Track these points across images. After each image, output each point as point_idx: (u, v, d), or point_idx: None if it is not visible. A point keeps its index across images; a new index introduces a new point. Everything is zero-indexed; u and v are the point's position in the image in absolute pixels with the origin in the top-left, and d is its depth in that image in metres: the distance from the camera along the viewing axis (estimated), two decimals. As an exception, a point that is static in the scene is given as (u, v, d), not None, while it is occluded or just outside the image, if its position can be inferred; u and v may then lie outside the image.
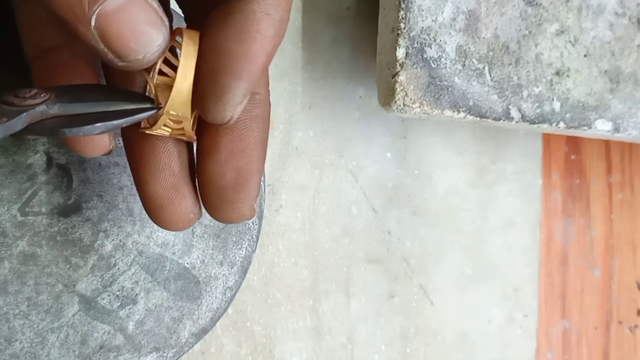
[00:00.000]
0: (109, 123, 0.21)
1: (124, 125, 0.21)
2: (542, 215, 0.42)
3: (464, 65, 0.34)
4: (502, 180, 0.41)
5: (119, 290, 0.31)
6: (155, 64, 0.22)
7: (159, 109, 0.22)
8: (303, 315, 0.37)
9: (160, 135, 0.24)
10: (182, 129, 0.23)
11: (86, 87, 0.23)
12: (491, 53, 0.34)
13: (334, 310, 0.38)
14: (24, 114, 0.20)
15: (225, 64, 0.22)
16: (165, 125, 0.23)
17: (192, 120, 0.23)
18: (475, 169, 0.41)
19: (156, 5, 0.20)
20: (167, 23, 0.21)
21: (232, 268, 0.33)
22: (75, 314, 0.31)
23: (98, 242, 0.31)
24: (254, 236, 0.34)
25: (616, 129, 0.36)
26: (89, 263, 0.31)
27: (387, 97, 0.34)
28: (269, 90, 0.25)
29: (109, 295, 0.31)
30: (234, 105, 0.22)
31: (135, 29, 0.20)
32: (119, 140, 0.32)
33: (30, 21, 0.24)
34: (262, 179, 0.34)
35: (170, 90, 0.22)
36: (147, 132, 0.23)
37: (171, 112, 0.22)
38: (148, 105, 0.22)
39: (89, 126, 0.21)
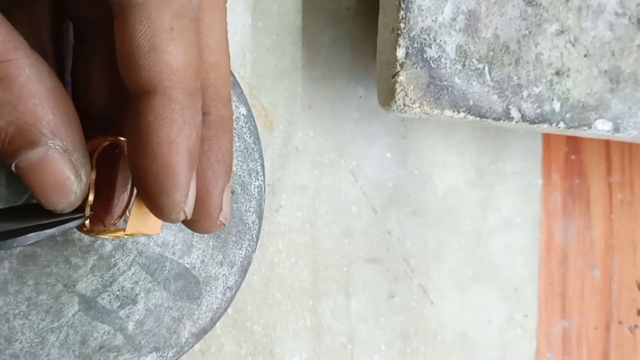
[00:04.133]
0: (42, 232, 0.23)
1: (56, 233, 0.24)
2: (542, 215, 0.42)
3: (464, 65, 0.34)
4: (502, 180, 0.41)
5: (119, 290, 0.31)
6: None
7: (88, 217, 0.24)
8: (303, 315, 0.37)
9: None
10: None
11: (19, 208, 0.26)
12: (491, 53, 0.34)
13: (334, 310, 0.38)
14: None
15: (149, 185, 0.22)
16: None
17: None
18: (475, 169, 0.41)
19: (77, 157, 0.22)
20: (84, 175, 0.22)
21: (232, 268, 0.33)
22: (75, 314, 0.31)
23: (98, 242, 0.31)
24: (254, 236, 0.34)
25: (616, 129, 0.36)
26: (89, 263, 0.31)
27: (387, 97, 0.34)
28: (229, 105, 0.25)
29: (109, 295, 0.31)
30: (176, 212, 0.23)
31: (47, 185, 0.22)
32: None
33: None
34: (262, 178, 0.34)
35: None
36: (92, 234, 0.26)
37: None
38: (78, 215, 0.24)
39: (22, 237, 0.23)
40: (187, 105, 0.22)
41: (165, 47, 0.21)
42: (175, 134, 0.22)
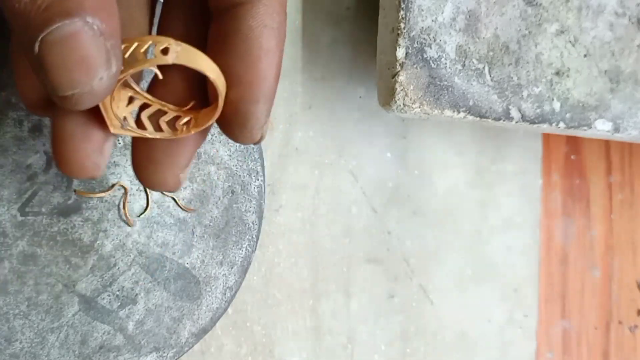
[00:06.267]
0: None
1: None
2: (542, 215, 0.42)
3: (464, 65, 0.34)
4: (502, 180, 0.41)
5: (119, 290, 0.31)
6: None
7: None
8: (303, 315, 0.37)
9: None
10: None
11: None
12: (491, 53, 0.34)
13: (334, 310, 0.38)
14: None
15: (239, 92, 0.21)
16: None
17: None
18: (475, 169, 0.41)
19: (111, 45, 0.19)
20: (115, 66, 0.20)
21: (232, 268, 0.33)
22: (75, 314, 0.31)
23: (98, 242, 0.31)
24: (254, 236, 0.34)
25: (616, 129, 0.36)
26: (89, 263, 0.31)
27: (387, 97, 0.34)
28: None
29: (109, 295, 0.31)
30: (259, 128, 0.22)
31: (73, 61, 0.19)
32: (118, 140, 0.32)
33: None
34: (262, 178, 0.34)
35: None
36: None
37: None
38: None
39: None
40: (284, 20, 0.22)
41: None
42: (274, 43, 0.21)
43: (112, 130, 0.23)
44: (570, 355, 0.42)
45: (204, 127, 0.23)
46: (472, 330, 0.40)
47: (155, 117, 0.24)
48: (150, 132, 0.23)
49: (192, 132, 0.23)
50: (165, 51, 0.21)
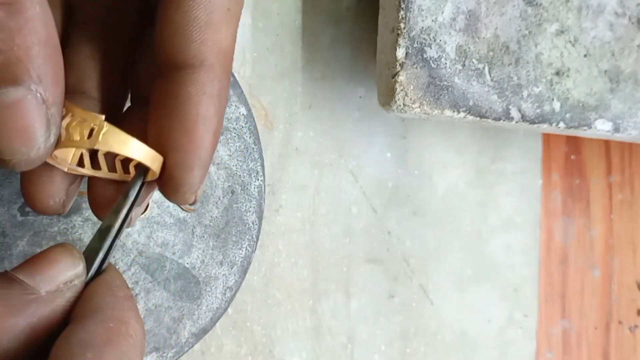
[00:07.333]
0: None
1: None
2: (542, 215, 0.42)
3: (464, 65, 0.34)
4: (502, 180, 0.41)
5: (119, 290, 0.31)
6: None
7: None
8: (303, 315, 0.37)
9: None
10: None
11: None
12: (491, 53, 0.34)
13: (334, 310, 0.38)
14: None
15: (174, 157, 0.22)
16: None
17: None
18: (475, 169, 0.41)
19: (53, 113, 0.20)
20: (53, 135, 0.20)
21: (232, 268, 0.33)
22: (75, 314, 0.31)
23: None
24: (254, 236, 0.34)
25: (616, 129, 0.36)
26: (89, 263, 0.31)
27: (387, 97, 0.34)
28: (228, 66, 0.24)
29: (109, 295, 0.31)
30: (192, 193, 0.23)
31: (13, 130, 0.19)
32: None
33: None
34: (262, 178, 0.34)
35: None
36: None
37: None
38: None
39: None
40: (226, 85, 0.22)
41: (219, 26, 0.21)
42: (213, 111, 0.22)
43: (65, 169, 0.23)
44: (570, 355, 0.42)
45: (149, 179, 0.23)
46: (472, 330, 0.40)
47: (111, 156, 0.24)
48: (103, 172, 0.24)
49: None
50: (90, 133, 0.21)
